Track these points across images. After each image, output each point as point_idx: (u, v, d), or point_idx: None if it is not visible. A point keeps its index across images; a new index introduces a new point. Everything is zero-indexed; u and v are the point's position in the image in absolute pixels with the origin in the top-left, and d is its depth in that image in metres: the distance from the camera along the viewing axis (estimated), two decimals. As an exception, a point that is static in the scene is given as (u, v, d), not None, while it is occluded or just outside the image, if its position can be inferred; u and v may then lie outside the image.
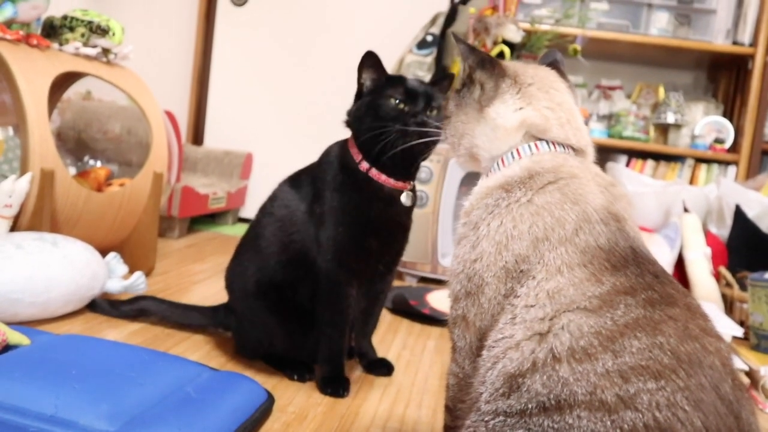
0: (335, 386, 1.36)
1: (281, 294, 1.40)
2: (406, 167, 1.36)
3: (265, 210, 1.46)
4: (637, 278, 0.73)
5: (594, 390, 0.64)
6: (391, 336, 1.83)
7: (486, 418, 0.71)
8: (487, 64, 0.91)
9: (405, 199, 1.37)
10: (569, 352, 0.67)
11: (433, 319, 1.99)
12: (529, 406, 0.67)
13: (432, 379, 1.53)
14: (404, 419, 1.31)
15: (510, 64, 0.94)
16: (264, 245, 1.42)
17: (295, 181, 1.45)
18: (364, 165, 1.34)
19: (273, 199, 1.45)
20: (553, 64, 0.99)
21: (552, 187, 0.82)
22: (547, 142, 0.88)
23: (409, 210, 1.40)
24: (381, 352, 1.62)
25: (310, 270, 1.37)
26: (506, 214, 0.81)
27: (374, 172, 1.34)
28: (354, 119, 1.36)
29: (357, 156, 1.35)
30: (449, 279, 0.88)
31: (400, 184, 1.36)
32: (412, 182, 1.40)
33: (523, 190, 0.82)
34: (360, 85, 1.37)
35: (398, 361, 1.61)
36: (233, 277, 1.51)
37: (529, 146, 0.87)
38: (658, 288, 0.72)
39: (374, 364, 1.53)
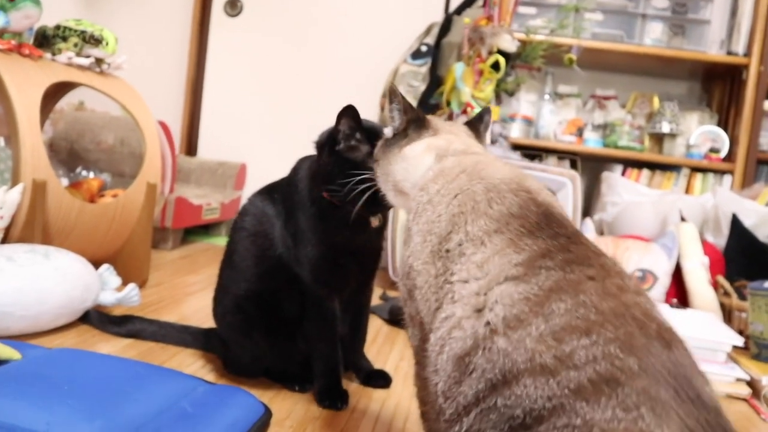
0: (333, 398, 1.34)
1: (260, 306, 1.38)
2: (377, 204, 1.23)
3: (236, 225, 1.44)
4: (552, 240, 0.76)
5: (533, 356, 0.65)
6: (388, 347, 1.81)
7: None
8: (419, 120, 1.04)
9: (375, 221, 1.35)
10: (504, 323, 0.69)
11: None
12: (480, 387, 0.68)
13: (431, 392, 1.50)
14: (404, 433, 1.28)
15: (433, 120, 1.07)
16: (238, 260, 1.41)
17: (266, 196, 1.43)
18: (326, 193, 1.29)
19: (244, 213, 1.44)
20: (477, 120, 1.13)
21: (461, 175, 0.90)
22: (453, 155, 0.98)
23: (379, 231, 1.40)
24: (378, 363, 1.59)
25: (291, 283, 1.36)
26: (428, 207, 0.89)
27: (336, 199, 1.29)
28: (324, 171, 1.29)
29: None
30: (399, 288, 0.93)
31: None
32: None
33: (437, 182, 0.91)
34: (336, 132, 1.27)
35: (396, 372, 1.58)
36: (216, 301, 1.49)
37: (439, 162, 0.97)
38: (573, 248, 0.75)
39: (372, 376, 1.51)
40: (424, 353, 0.83)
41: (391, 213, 2.43)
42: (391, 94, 1.04)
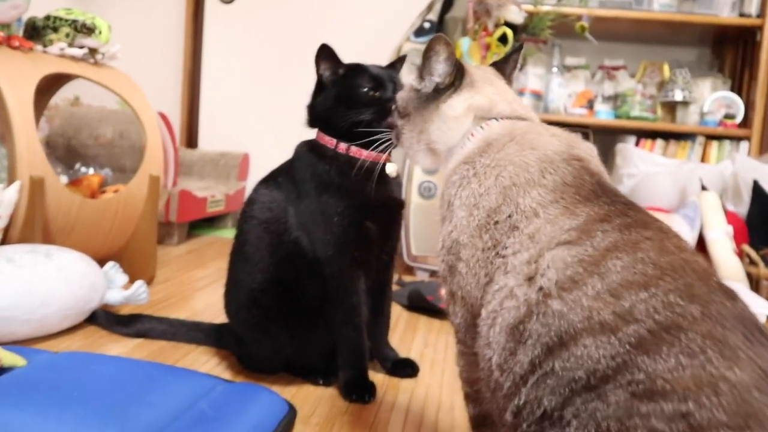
0: (360, 391, 1.27)
1: (279, 297, 1.31)
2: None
3: (245, 215, 1.37)
4: (609, 206, 0.74)
5: (590, 314, 0.64)
6: (410, 335, 1.73)
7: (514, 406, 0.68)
8: (459, 72, 0.96)
9: (390, 169, 1.35)
10: (558, 286, 0.67)
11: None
12: (536, 352, 0.66)
13: (460, 379, 1.43)
14: (438, 425, 1.21)
15: (470, 69, 1.00)
16: (251, 251, 1.33)
17: (271, 182, 1.38)
18: (342, 146, 1.32)
19: (251, 203, 1.37)
20: (504, 62, 1.06)
21: (509, 144, 0.86)
22: (496, 119, 0.93)
23: (398, 185, 1.39)
24: (402, 352, 1.51)
25: (311, 269, 1.29)
26: (474, 180, 0.84)
27: (354, 150, 1.31)
28: (324, 111, 1.35)
29: (331, 143, 1.33)
30: (438, 264, 0.89)
31: (381, 156, 1.32)
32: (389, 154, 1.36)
33: (484, 156, 0.86)
34: (319, 76, 1.37)
35: (422, 360, 1.51)
36: (228, 296, 1.42)
37: (481, 126, 0.92)
38: (630, 213, 0.73)
39: (398, 365, 1.43)
40: (471, 330, 0.81)
41: (404, 193, 2.38)
42: (435, 42, 0.94)
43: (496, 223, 0.79)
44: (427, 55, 0.95)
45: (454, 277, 0.83)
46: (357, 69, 1.35)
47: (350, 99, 1.32)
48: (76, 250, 1.65)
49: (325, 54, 1.34)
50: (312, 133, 1.39)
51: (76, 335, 1.54)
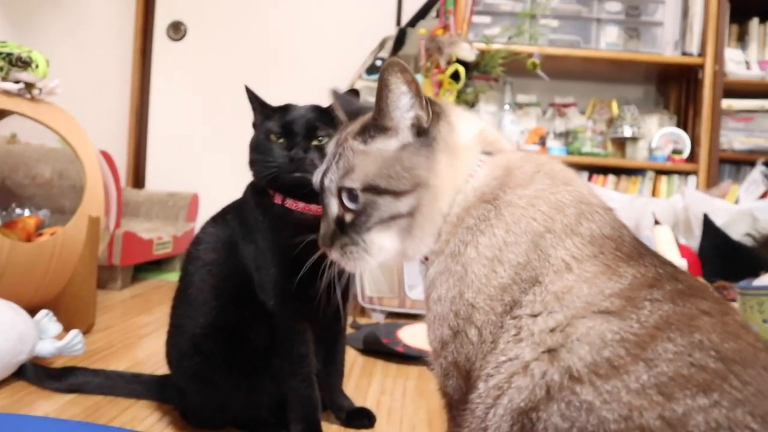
0: (313, 447, 1.18)
1: (222, 344, 1.21)
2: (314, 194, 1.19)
3: (190, 256, 1.28)
4: (657, 268, 0.61)
5: (630, 413, 0.50)
6: (366, 380, 1.65)
7: None
8: (434, 105, 0.78)
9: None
10: (591, 368, 0.54)
11: (409, 357, 1.82)
12: None
13: (420, 427, 1.35)
14: (396, 480, 1.13)
15: (435, 99, 0.81)
16: (194, 293, 1.24)
17: (219, 221, 1.30)
18: (278, 197, 1.22)
19: (197, 242, 1.28)
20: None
21: (537, 175, 0.70)
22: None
23: None
24: (358, 400, 1.43)
25: (257, 313, 1.20)
26: (497, 225, 0.67)
27: (290, 202, 1.21)
28: (249, 155, 1.27)
29: (270, 190, 1.24)
30: (430, 326, 0.73)
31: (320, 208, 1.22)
32: None
33: (508, 191, 0.69)
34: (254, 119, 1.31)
35: (379, 408, 1.43)
36: (169, 343, 1.31)
37: (486, 154, 0.76)
38: (681, 278, 0.61)
39: (353, 416, 1.34)
40: (464, 408, 0.66)
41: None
42: (390, 71, 0.71)
43: (522, 280, 0.64)
44: (387, 91, 0.72)
45: (458, 344, 0.68)
46: (275, 112, 1.26)
47: (257, 147, 1.24)
48: (4, 297, 1.53)
49: (250, 96, 1.28)
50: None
51: (1, 392, 1.40)
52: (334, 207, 0.76)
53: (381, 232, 0.73)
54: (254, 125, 1.30)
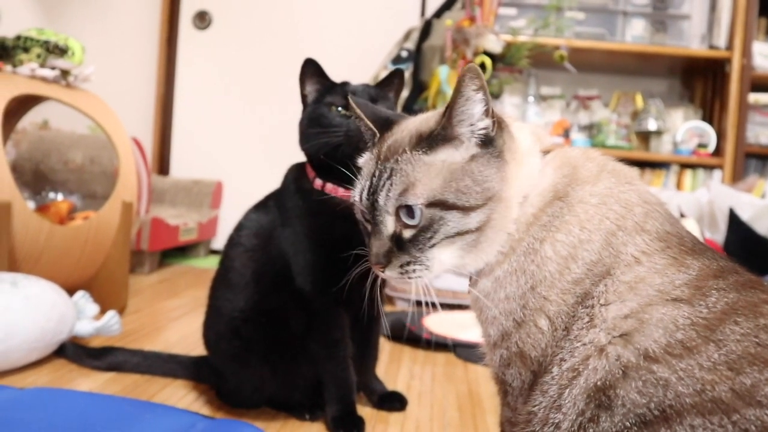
0: (348, 426, 1.20)
1: (261, 328, 1.24)
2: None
3: (232, 241, 1.31)
4: (719, 262, 0.66)
5: (703, 387, 0.56)
6: (395, 366, 1.67)
7: None
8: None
9: None
10: (666, 349, 0.59)
11: (435, 344, 1.84)
12: (627, 424, 0.58)
13: (451, 411, 1.37)
14: (431, 460, 1.15)
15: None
16: (236, 279, 1.27)
17: (261, 207, 1.32)
18: (318, 182, 1.22)
19: (240, 228, 1.31)
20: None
21: (603, 174, 0.73)
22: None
23: None
24: (389, 384, 1.46)
25: (295, 299, 1.22)
26: (572, 221, 0.70)
27: (330, 187, 1.21)
28: (300, 133, 1.25)
29: (311, 173, 1.25)
30: (490, 323, 0.74)
31: None
32: None
33: (577, 188, 0.71)
34: (303, 97, 1.27)
35: (409, 392, 1.45)
36: (207, 326, 1.34)
37: (543, 153, 0.77)
38: (741, 271, 0.66)
39: (386, 398, 1.37)
40: (524, 397, 0.70)
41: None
42: (476, 77, 0.68)
43: (594, 275, 0.67)
44: (462, 99, 0.69)
45: (523, 334, 0.69)
46: (335, 86, 1.25)
47: (319, 119, 1.20)
48: (44, 278, 1.57)
49: (311, 70, 1.25)
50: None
51: (43, 369, 1.44)
52: (389, 224, 0.72)
53: (444, 247, 0.70)
54: (307, 101, 1.26)
